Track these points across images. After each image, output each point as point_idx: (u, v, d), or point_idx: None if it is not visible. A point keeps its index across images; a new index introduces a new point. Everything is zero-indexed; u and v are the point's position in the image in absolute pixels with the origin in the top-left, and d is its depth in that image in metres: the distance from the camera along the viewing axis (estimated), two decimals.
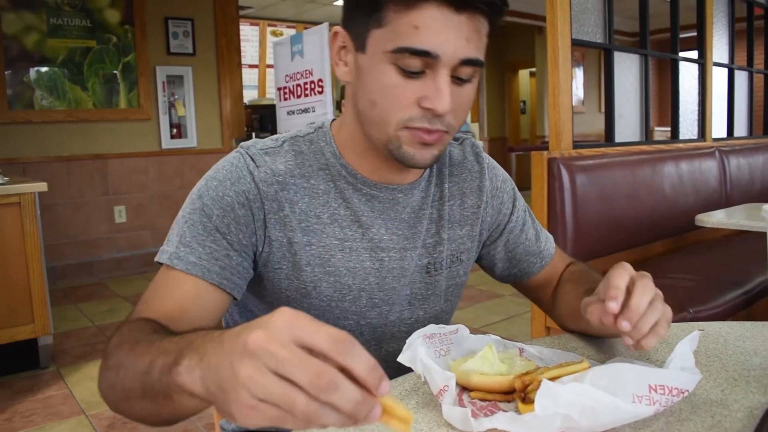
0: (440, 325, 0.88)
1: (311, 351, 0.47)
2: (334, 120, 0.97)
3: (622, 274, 0.79)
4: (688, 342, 0.76)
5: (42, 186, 3.05)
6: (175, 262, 0.83)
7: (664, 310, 0.78)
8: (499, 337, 0.91)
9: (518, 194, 1.11)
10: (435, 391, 0.75)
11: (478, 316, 3.95)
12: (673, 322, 0.80)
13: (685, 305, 2.30)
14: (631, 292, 0.77)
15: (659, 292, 0.80)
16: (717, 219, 2.30)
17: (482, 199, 1.04)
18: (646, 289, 0.78)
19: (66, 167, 4.91)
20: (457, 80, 0.82)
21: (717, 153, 3.37)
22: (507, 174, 1.11)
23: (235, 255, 0.86)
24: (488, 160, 1.08)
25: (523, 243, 1.09)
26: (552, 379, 0.70)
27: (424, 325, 1.00)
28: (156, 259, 0.86)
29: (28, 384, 3.01)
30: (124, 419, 2.56)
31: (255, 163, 0.88)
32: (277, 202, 0.88)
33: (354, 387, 0.47)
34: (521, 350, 0.89)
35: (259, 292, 0.94)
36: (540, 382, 0.72)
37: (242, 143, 0.92)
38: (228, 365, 0.49)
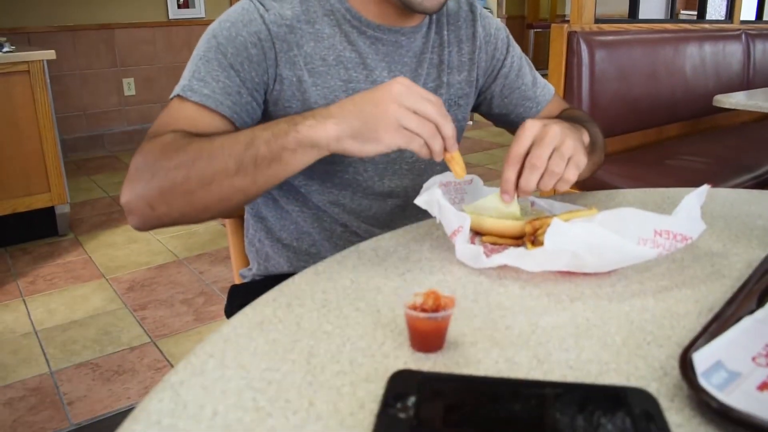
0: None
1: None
2: None
3: (520, 140, 0.80)
4: (696, 196, 0.77)
5: (50, 54, 3.01)
6: (188, 93, 0.87)
7: (571, 162, 0.80)
8: None
9: (513, 41, 1.14)
10: (449, 232, 0.78)
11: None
12: None
13: (693, 185, 2.31)
14: (524, 164, 0.79)
15: (566, 142, 0.79)
16: (736, 100, 2.27)
17: (476, 45, 1.08)
18: (539, 158, 0.78)
19: (72, 37, 4.81)
20: None
21: (743, 36, 3.26)
22: (501, 23, 1.14)
23: (245, 93, 0.90)
24: (481, 10, 1.11)
25: (519, 88, 1.12)
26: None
27: (422, 164, 1.03)
28: (170, 96, 0.90)
29: (48, 250, 3.12)
30: (144, 282, 2.72)
31: (264, 7, 0.92)
32: (286, 43, 0.92)
33: (441, 140, 0.77)
34: (532, 203, 0.92)
35: None
36: (549, 225, 0.75)
37: None
38: (375, 107, 0.74)
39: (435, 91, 1.03)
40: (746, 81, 3.27)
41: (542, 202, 0.92)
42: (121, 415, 1.87)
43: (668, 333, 0.61)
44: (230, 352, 0.57)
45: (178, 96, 0.88)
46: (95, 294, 2.65)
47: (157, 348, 2.24)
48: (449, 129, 0.77)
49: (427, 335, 0.56)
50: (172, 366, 2.11)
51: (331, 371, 0.54)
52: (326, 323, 0.62)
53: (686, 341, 0.59)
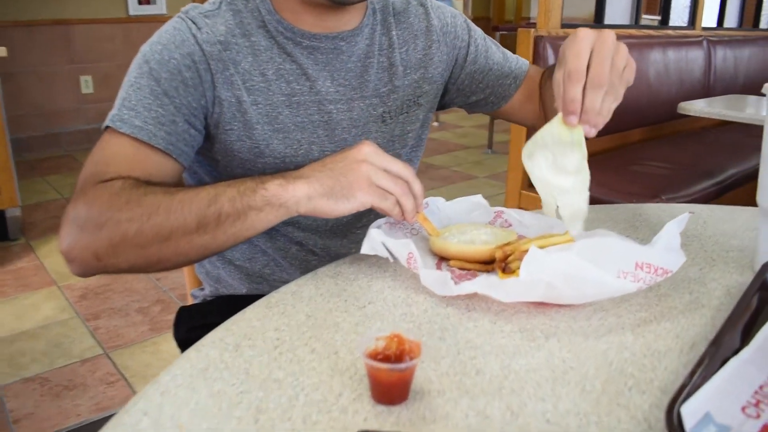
0: None
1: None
2: None
3: (579, 53, 0.71)
4: (677, 223, 0.74)
5: (1, 51, 2.87)
6: (118, 124, 0.80)
7: (623, 76, 0.73)
8: (480, 197, 0.90)
9: (472, 25, 1.09)
10: (404, 263, 0.73)
11: (452, 196, 3.86)
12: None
13: (659, 192, 2.33)
14: (587, 82, 0.71)
15: (621, 51, 0.72)
16: (699, 108, 2.27)
17: (432, 39, 1.02)
18: (602, 75, 0.71)
19: (27, 33, 4.62)
20: None
21: (705, 42, 3.29)
22: (456, 10, 1.09)
23: (181, 121, 0.83)
24: (431, 2, 1.05)
25: (491, 69, 1.07)
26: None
27: None
28: (102, 125, 0.82)
29: None
30: (97, 290, 2.61)
31: (197, 25, 0.86)
32: (221, 62, 0.85)
33: (413, 199, 0.76)
34: (501, 213, 0.88)
35: (212, 157, 0.92)
36: (522, 252, 0.71)
37: (182, 8, 0.90)
38: (347, 167, 0.73)
39: (388, 96, 0.97)
40: (707, 87, 3.30)
41: (513, 213, 0.88)
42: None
43: (650, 376, 0.56)
44: (168, 408, 0.50)
45: (109, 127, 0.81)
46: (46, 302, 2.53)
47: (111, 360, 2.14)
48: (419, 188, 0.77)
49: (390, 387, 0.50)
50: (125, 380, 2.02)
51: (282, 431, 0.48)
52: (278, 369, 0.56)
53: (669, 386, 0.55)
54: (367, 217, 1.01)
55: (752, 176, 2.78)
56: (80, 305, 2.50)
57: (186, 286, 1.18)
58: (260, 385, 0.54)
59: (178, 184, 0.84)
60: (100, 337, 2.27)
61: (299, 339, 0.61)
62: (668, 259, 0.67)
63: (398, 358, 0.52)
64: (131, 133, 0.79)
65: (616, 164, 2.63)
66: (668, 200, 2.30)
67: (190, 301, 1.11)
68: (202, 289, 1.07)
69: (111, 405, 1.90)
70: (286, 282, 1.00)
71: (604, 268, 0.64)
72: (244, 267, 0.99)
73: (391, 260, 0.76)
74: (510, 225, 0.87)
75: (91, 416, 1.85)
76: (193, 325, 1.02)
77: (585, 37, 0.71)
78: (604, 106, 0.71)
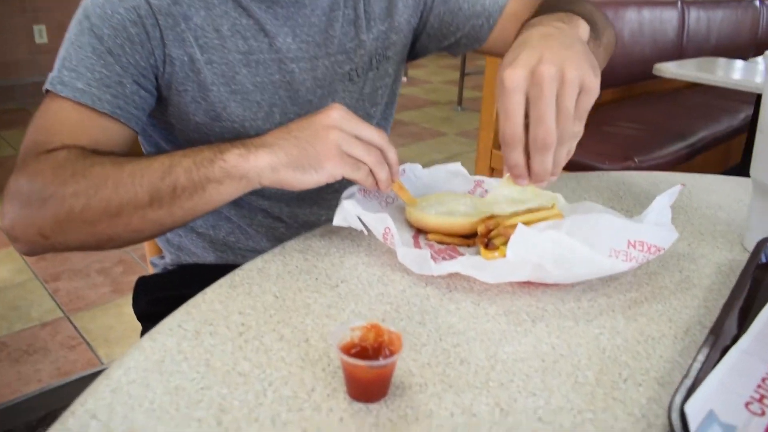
0: None
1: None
2: None
3: (509, 113, 0.60)
4: (667, 196, 0.70)
5: None
6: (59, 88, 0.72)
7: (577, 115, 0.61)
8: (459, 165, 0.84)
9: None
10: (380, 237, 0.68)
11: (421, 153, 3.91)
12: (618, 170, 0.70)
13: (631, 154, 2.31)
14: (529, 145, 0.61)
15: (567, 83, 0.59)
16: (675, 70, 2.23)
17: None
18: (546, 134, 0.60)
19: None
20: None
21: (679, 4, 3.25)
22: None
23: (129, 82, 0.75)
24: None
25: (460, 8, 0.95)
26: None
27: None
28: (43, 87, 0.74)
29: None
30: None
31: None
32: (171, 17, 0.76)
33: (387, 168, 0.70)
34: (480, 182, 0.83)
35: (166, 122, 0.84)
36: (506, 227, 0.66)
37: None
38: (314, 134, 0.67)
39: (354, 51, 0.89)
40: (680, 48, 3.27)
41: (493, 182, 0.82)
42: (32, 400, 1.72)
43: (645, 365, 0.52)
44: (119, 409, 0.45)
45: (51, 91, 0.73)
46: (2, 264, 2.43)
47: (71, 323, 2.07)
48: (394, 156, 0.71)
49: (368, 384, 0.46)
50: (87, 343, 1.95)
51: None
52: (243, 360, 0.51)
53: (666, 376, 0.51)
54: (339, 182, 0.95)
55: (722, 139, 2.79)
56: (38, 266, 2.41)
57: (146, 253, 1.11)
58: (223, 379, 0.48)
59: (131, 152, 0.77)
60: (60, 300, 2.20)
61: (266, 324, 0.56)
62: (660, 236, 0.63)
63: (376, 351, 0.47)
64: (73, 97, 0.71)
65: (587, 124, 2.58)
66: (640, 162, 2.28)
67: (150, 270, 1.05)
68: (163, 257, 1.01)
69: (73, 369, 1.84)
70: (252, 250, 0.95)
71: (596, 247, 0.60)
72: (207, 235, 0.93)
73: (366, 233, 0.71)
74: None
75: (52, 382, 1.79)
76: (153, 297, 0.95)
77: (513, 88, 0.59)
78: (557, 163, 0.62)
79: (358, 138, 0.68)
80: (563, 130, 0.60)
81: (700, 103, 3.21)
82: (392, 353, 0.46)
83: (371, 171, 0.69)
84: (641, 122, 2.75)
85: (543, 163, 0.61)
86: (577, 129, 0.62)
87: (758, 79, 2.18)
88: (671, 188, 0.70)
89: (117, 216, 0.66)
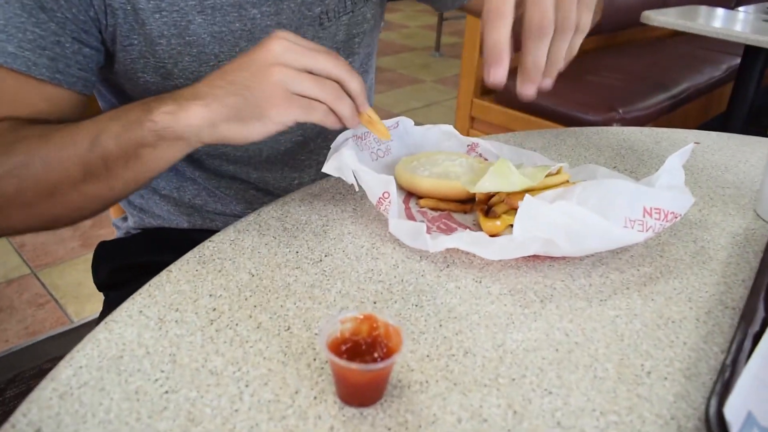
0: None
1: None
2: None
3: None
4: (679, 156, 0.63)
5: None
6: None
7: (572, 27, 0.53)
8: (451, 127, 0.77)
9: None
10: (374, 200, 0.61)
11: (398, 101, 3.80)
12: (601, 122, 0.62)
13: (614, 105, 2.25)
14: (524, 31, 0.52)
15: None
16: (665, 18, 2.15)
17: None
18: (544, 20, 0.51)
19: None
20: None
21: None
22: None
23: (68, 41, 0.63)
24: None
25: None
26: (530, 192, 0.57)
27: None
28: None
29: None
30: None
31: None
32: None
33: (350, 101, 0.58)
34: (475, 145, 0.75)
35: (114, 81, 0.74)
36: (509, 194, 0.59)
37: None
38: (253, 75, 0.54)
39: None
40: None
41: (488, 145, 0.75)
42: (4, 359, 1.64)
43: (668, 354, 0.47)
44: (68, 420, 0.38)
45: None
46: None
47: (39, 280, 1.97)
48: (357, 84, 0.58)
49: (362, 388, 0.39)
50: (56, 301, 1.87)
51: None
52: (215, 355, 0.44)
53: (692, 367, 0.46)
54: (314, 142, 0.86)
55: (704, 91, 2.74)
56: None
57: (111, 214, 1.02)
58: (191, 379, 0.41)
59: (85, 116, 0.67)
60: (26, 255, 2.09)
61: (241, 309, 0.49)
62: (677, 201, 0.57)
63: (371, 346, 0.40)
64: (5, 63, 0.60)
65: (570, 72, 2.48)
66: (624, 113, 2.23)
67: (112, 234, 0.96)
68: (125, 219, 0.92)
69: (41, 329, 1.76)
70: (222, 214, 0.86)
71: (609, 217, 0.53)
72: (171, 197, 0.84)
73: (356, 189, 0.63)
74: (486, 160, 0.74)
75: (20, 341, 1.71)
76: (116, 265, 0.86)
77: None
78: (552, 60, 0.54)
79: (308, 71, 0.56)
80: (564, 16, 0.51)
81: (683, 53, 3.14)
82: (390, 351, 0.40)
83: (330, 108, 0.57)
84: (624, 72, 2.68)
85: (536, 53, 0.51)
86: (584, 20, 0.53)
87: (740, 28, 2.11)
88: (683, 147, 0.64)
89: (52, 196, 0.58)
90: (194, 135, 0.56)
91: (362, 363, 0.38)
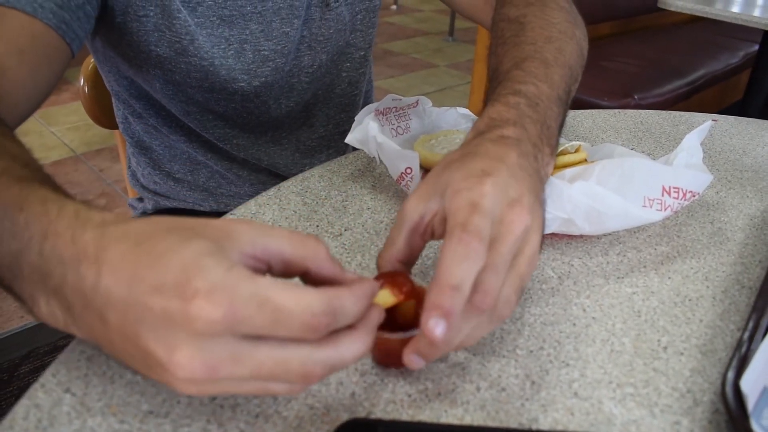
0: (395, 97, 0.72)
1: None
2: None
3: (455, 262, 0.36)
4: (697, 134, 0.63)
5: None
6: None
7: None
8: (468, 110, 0.77)
9: None
10: (395, 175, 0.61)
11: (411, 85, 3.79)
12: (617, 108, 0.59)
13: (630, 91, 2.24)
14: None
15: (530, 236, 0.40)
16: (682, 3, 2.13)
17: None
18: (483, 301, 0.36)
19: None
20: None
21: None
22: None
23: None
24: None
25: None
26: None
27: (330, 72, 0.84)
28: None
29: None
30: None
31: None
32: None
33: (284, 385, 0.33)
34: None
35: (123, 52, 0.71)
36: None
37: None
38: (150, 371, 0.32)
39: None
40: None
41: None
42: (15, 337, 1.67)
43: (685, 331, 0.47)
44: (95, 380, 0.39)
45: None
46: None
47: None
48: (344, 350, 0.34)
49: (391, 353, 0.40)
50: None
51: (245, 419, 0.37)
52: None
53: (708, 344, 0.46)
54: (324, 127, 0.86)
55: (721, 77, 2.71)
56: None
57: (125, 179, 1.02)
58: None
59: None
60: None
61: None
62: (695, 180, 0.57)
63: (406, 311, 0.40)
64: (4, 2, 0.54)
65: (587, 58, 2.50)
66: (640, 100, 2.21)
67: (128, 214, 0.97)
68: (141, 200, 0.93)
69: None
70: (236, 195, 0.87)
71: (628, 197, 0.54)
72: (185, 180, 0.85)
73: (377, 162, 0.63)
74: None
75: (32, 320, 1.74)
76: None
77: (478, 226, 0.37)
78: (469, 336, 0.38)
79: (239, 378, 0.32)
80: (505, 297, 0.38)
81: (699, 39, 3.11)
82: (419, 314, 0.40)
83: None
84: (640, 58, 2.66)
85: (462, 328, 0.37)
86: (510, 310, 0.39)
87: (759, 13, 2.09)
88: (701, 125, 0.64)
89: None
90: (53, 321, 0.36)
91: (396, 326, 0.39)
